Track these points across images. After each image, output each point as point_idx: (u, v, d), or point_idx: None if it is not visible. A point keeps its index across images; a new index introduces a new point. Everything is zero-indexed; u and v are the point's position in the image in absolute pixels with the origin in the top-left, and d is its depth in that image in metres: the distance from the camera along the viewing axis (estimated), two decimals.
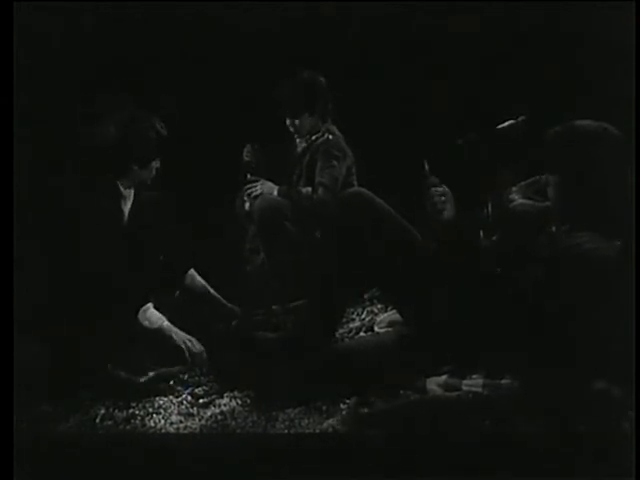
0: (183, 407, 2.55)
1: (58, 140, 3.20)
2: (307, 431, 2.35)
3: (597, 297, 2.30)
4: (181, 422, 2.45)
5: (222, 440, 2.38)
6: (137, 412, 2.51)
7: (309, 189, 3.45)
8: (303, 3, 3.44)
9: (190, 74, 3.65)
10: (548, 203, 2.52)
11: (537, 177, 2.63)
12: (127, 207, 2.93)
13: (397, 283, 2.60)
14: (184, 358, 2.76)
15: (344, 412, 2.43)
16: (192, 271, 3.06)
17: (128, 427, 2.44)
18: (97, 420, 2.47)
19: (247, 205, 3.48)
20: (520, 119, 2.74)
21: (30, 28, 2.85)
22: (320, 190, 3.40)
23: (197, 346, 2.79)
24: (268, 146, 3.58)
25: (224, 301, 3.07)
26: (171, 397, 2.60)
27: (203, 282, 3.07)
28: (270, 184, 3.47)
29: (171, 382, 2.70)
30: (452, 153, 2.77)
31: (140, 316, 2.75)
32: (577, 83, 3.35)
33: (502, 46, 3.52)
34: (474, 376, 2.42)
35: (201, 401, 2.58)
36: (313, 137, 3.51)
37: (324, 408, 2.45)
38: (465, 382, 2.41)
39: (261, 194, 3.44)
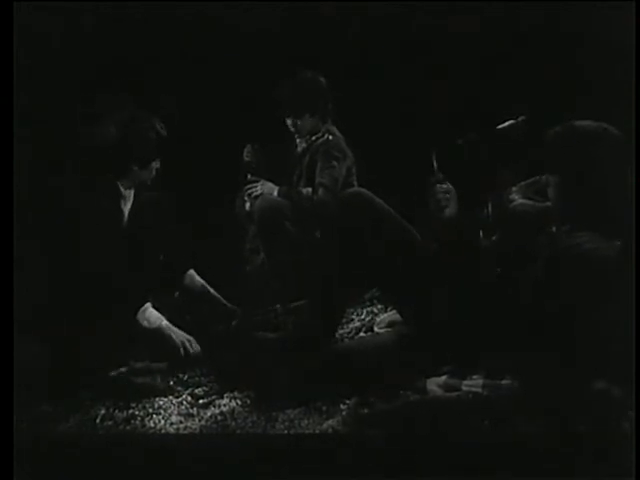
0: (183, 407, 2.55)
1: (58, 140, 3.20)
2: (307, 431, 2.35)
3: (597, 297, 2.30)
4: (181, 422, 2.45)
5: (222, 440, 2.38)
6: (137, 412, 2.51)
7: (309, 189, 3.45)
8: (303, 3, 3.44)
9: (190, 74, 3.65)
10: (548, 203, 2.52)
11: (537, 177, 2.63)
12: (127, 207, 2.93)
13: (397, 283, 2.60)
14: (182, 357, 2.76)
15: (344, 412, 2.43)
16: (191, 271, 3.06)
17: (128, 427, 2.44)
18: (97, 420, 2.47)
19: (247, 205, 3.48)
20: (520, 119, 2.74)
21: (30, 28, 2.85)
22: (320, 190, 3.40)
23: (194, 346, 2.78)
24: (268, 146, 3.58)
25: (224, 301, 3.07)
26: (171, 397, 2.60)
27: (202, 282, 3.07)
28: (270, 184, 3.47)
29: (170, 383, 2.71)
30: (452, 153, 2.76)
31: (139, 316, 2.76)
32: (577, 83, 3.35)
33: (502, 46, 3.52)
34: (474, 376, 2.42)
35: (201, 401, 2.58)
36: (313, 137, 3.51)
37: (324, 408, 2.45)
38: (465, 382, 2.41)
39: (261, 194, 3.44)
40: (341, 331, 2.98)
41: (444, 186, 2.60)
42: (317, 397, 2.49)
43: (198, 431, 2.40)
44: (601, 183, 2.39)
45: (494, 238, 2.63)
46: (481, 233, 2.64)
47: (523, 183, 2.71)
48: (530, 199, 2.65)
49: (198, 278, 3.06)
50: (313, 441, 2.32)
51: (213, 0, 3.41)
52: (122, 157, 2.85)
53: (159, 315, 2.79)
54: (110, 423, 2.46)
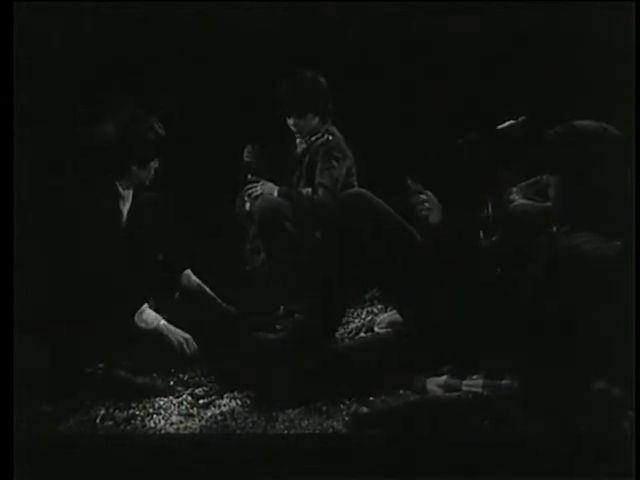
0: (183, 407, 2.55)
1: (58, 140, 3.20)
2: (307, 431, 2.35)
3: (597, 297, 2.30)
4: (181, 422, 2.45)
5: (222, 440, 2.38)
6: (137, 412, 2.51)
7: (309, 190, 3.45)
8: (303, 3, 3.44)
9: (190, 74, 3.64)
10: (548, 203, 2.52)
11: (537, 177, 2.64)
12: (126, 207, 2.92)
13: (397, 283, 2.60)
14: (179, 357, 2.76)
15: (344, 412, 2.43)
16: (188, 271, 3.05)
17: (128, 427, 2.44)
18: (97, 420, 2.47)
19: (247, 205, 3.48)
20: (520, 119, 2.74)
21: (30, 28, 2.85)
22: (320, 191, 3.40)
23: (191, 346, 2.78)
24: (268, 146, 3.58)
25: (219, 300, 3.06)
26: (171, 397, 2.60)
27: (198, 281, 3.06)
28: (270, 184, 3.47)
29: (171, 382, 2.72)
30: (452, 153, 2.76)
31: (136, 318, 2.75)
32: (577, 83, 3.35)
33: (502, 46, 3.52)
34: (474, 376, 2.42)
35: (201, 402, 2.58)
36: (313, 138, 3.51)
37: (324, 408, 2.45)
38: (465, 382, 2.41)
39: (261, 194, 3.44)
40: (341, 331, 2.98)
41: (422, 196, 2.62)
42: (317, 397, 2.50)
43: (198, 431, 2.40)
44: (601, 183, 2.39)
45: (494, 238, 2.63)
46: (481, 233, 2.64)
47: (523, 183, 2.71)
48: (530, 199, 2.65)
49: (194, 277, 3.06)
50: (313, 441, 2.32)
51: (213, 0, 3.41)
52: (121, 157, 2.85)
53: (156, 316, 2.79)
54: (110, 423, 2.46)
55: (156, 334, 2.76)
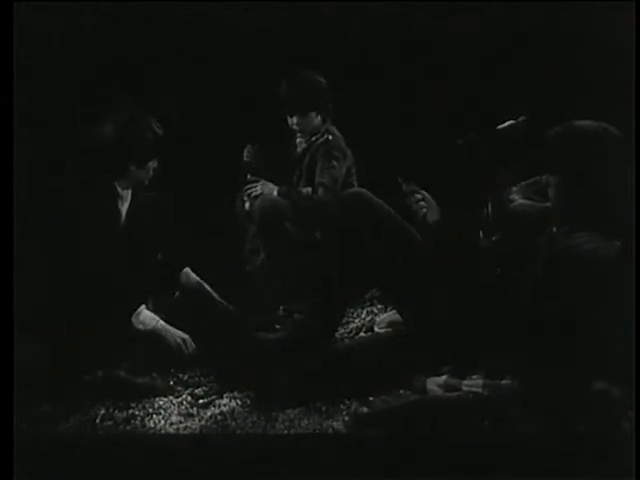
0: (183, 407, 2.55)
1: (58, 140, 3.20)
2: (307, 431, 2.35)
3: (597, 297, 2.30)
4: (181, 422, 2.45)
5: (222, 440, 2.38)
6: (137, 412, 2.51)
7: (309, 189, 3.45)
8: (303, 3, 3.44)
9: (190, 74, 3.64)
10: (548, 203, 2.52)
11: (537, 177, 2.64)
12: (124, 207, 2.92)
13: (397, 283, 2.60)
14: (178, 358, 2.76)
15: (344, 412, 2.43)
16: (187, 269, 3.05)
17: (128, 427, 2.44)
18: (97, 420, 2.47)
19: (247, 205, 3.47)
20: (520, 119, 2.74)
21: (30, 28, 2.85)
22: (320, 190, 3.40)
23: (189, 346, 2.78)
24: (268, 146, 3.58)
25: (219, 299, 3.06)
26: (171, 397, 2.60)
27: (197, 279, 3.06)
28: (270, 185, 3.47)
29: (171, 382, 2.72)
30: (452, 153, 2.76)
31: (134, 320, 2.74)
32: (577, 83, 3.35)
33: (502, 46, 3.52)
34: (474, 376, 2.42)
35: (201, 401, 2.58)
36: (313, 138, 3.51)
37: (324, 408, 2.45)
38: (465, 382, 2.41)
39: (261, 194, 3.44)
40: (341, 331, 2.98)
41: (418, 195, 2.62)
42: (317, 397, 2.49)
43: (198, 431, 2.40)
44: (601, 183, 2.39)
45: (494, 238, 2.63)
46: (481, 233, 2.64)
47: (523, 183, 2.71)
48: (530, 199, 2.65)
49: (193, 275, 3.06)
50: (313, 441, 2.32)
51: (213, 0, 3.41)
52: (119, 157, 2.84)
53: (153, 316, 2.78)
54: (110, 423, 2.46)
55: (154, 335, 2.76)
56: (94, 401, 2.57)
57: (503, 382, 2.38)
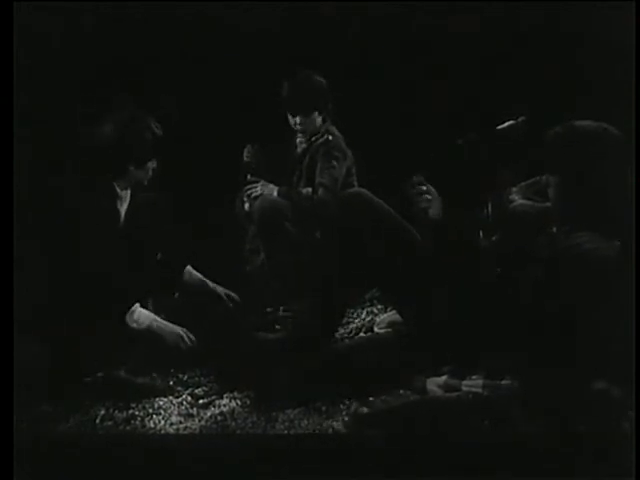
0: (183, 408, 2.55)
1: (58, 140, 3.20)
2: (307, 432, 2.35)
3: (597, 297, 2.30)
4: (181, 423, 2.45)
5: (222, 441, 2.38)
6: (137, 413, 2.51)
7: (309, 190, 3.45)
8: (303, 3, 3.44)
9: (190, 74, 3.64)
10: (548, 204, 2.52)
11: (537, 177, 2.64)
12: (123, 207, 2.92)
13: (397, 283, 2.60)
14: (176, 353, 2.75)
15: (344, 412, 2.43)
16: (189, 267, 3.05)
17: (128, 427, 2.44)
18: (97, 420, 2.47)
19: (247, 206, 3.47)
20: (520, 119, 2.74)
21: (30, 28, 2.85)
22: (320, 191, 3.40)
23: (186, 339, 2.76)
24: (268, 147, 3.58)
25: (224, 293, 3.06)
26: (171, 398, 2.60)
27: (200, 276, 3.06)
28: (271, 185, 3.47)
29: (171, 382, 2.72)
30: (452, 153, 2.76)
31: (128, 319, 2.73)
32: (577, 83, 3.35)
33: (502, 46, 3.52)
34: (474, 377, 2.42)
35: (201, 402, 2.58)
36: (313, 138, 3.51)
37: (324, 408, 2.45)
38: (465, 382, 2.41)
39: (261, 195, 3.44)
40: (341, 331, 2.98)
41: (423, 187, 2.61)
42: (317, 397, 2.50)
43: (198, 431, 2.40)
44: (601, 183, 2.39)
45: (494, 238, 2.63)
46: (481, 233, 2.64)
47: (523, 183, 2.71)
48: (530, 199, 2.65)
49: (196, 273, 3.05)
50: (313, 441, 2.32)
51: (213, 0, 3.41)
52: (118, 157, 2.84)
53: (148, 314, 2.76)
54: (110, 423, 2.46)
55: (150, 333, 2.75)
56: (94, 401, 2.57)
57: (503, 382, 2.38)
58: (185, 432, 2.40)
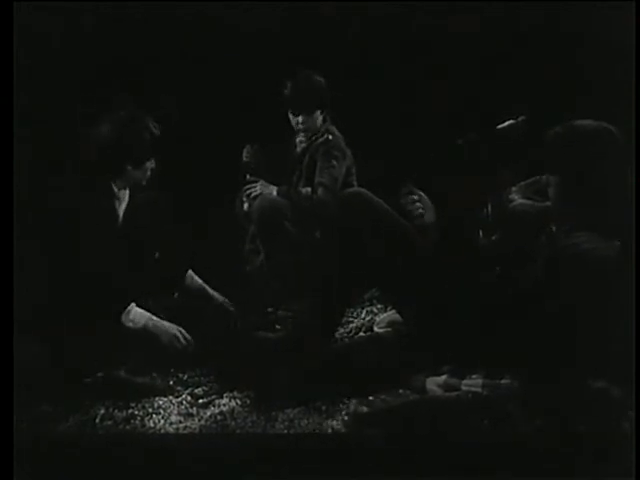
0: (183, 407, 2.55)
1: (58, 140, 3.20)
2: (307, 431, 2.35)
3: (597, 297, 2.30)
4: (181, 422, 2.45)
5: (222, 440, 2.38)
6: (137, 412, 2.51)
7: (309, 189, 3.45)
8: (303, 3, 3.44)
9: (190, 74, 3.64)
10: (548, 203, 2.52)
11: (537, 177, 2.64)
12: (122, 208, 2.92)
13: (397, 283, 2.60)
14: (172, 352, 2.75)
15: (344, 412, 2.43)
16: (190, 272, 3.05)
17: (128, 427, 2.44)
18: (97, 420, 2.47)
19: (246, 206, 3.48)
20: (520, 119, 2.74)
21: (30, 28, 2.85)
22: (320, 190, 3.40)
23: (182, 339, 2.76)
24: (268, 146, 3.58)
25: (222, 300, 3.06)
26: (171, 397, 2.60)
27: (200, 282, 3.06)
28: (271, 186, 3.47)
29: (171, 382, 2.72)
30: (452, 153, 2.77)
31: (123, 318, 2.73)
32: (577, 83, 3.35)
33: (502, 46, 3.52)
34: (474, 376, 2.42)
35: (201, 401, 2.58)
36: (313, 137, 3.51)
37: (324, 408, 2.45)
38: (465, 382, 2.41)
39: (260, 194, 3.44)
40: (341, 331, 2.98)
41: (414, 197, 2.63)
42: (317, 397, 2.49)
43: (198, 431, 2.40)
44: (601, 183, 2.39)
45: (494, 238, 2.63)
46: (481, 233, 2.65)
47: (523, 183, 2.71)
48: (530, 199, 2.65)
49: (197, 279, 3.06)
50: (313, 441, 2.33)
51: (213, 0, 3.41)
52: (116, 157, 2.84)
53: (143, 313, 2.75)
54: (110, 423, 2.46)
55: (146, 333, 2.74)
56: (94, 401, 2.56)
57: (503, 382, 2.38)
58: (185, 432, 2.40)
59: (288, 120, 3.51)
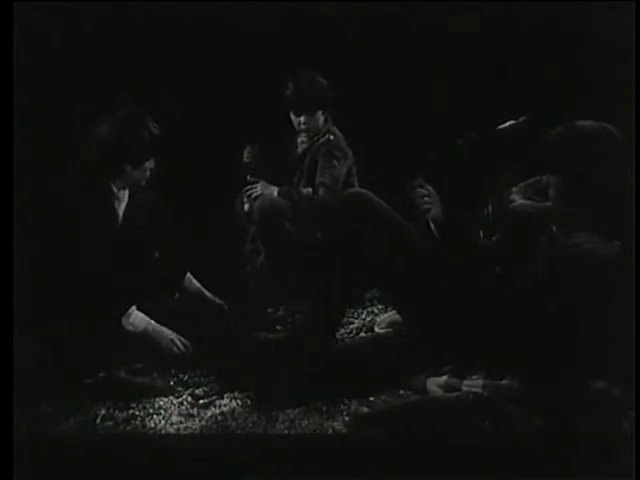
0: (183, 408, 2.55)
1: (58, 140, 3.20)
2: (307, 431, 2.35)
3: (597, 297, 2.30)
4: (181, 423, 2.45)
5: (222, 440, 2.38)
6: (137, 413, 2.51)
7: (310, 190, 3.45)
8: (303, 3, 3.44)
9: (190, 74, 3.64)
10: (548, 203, 2.52)
11: (537, 177, 2.64)
12: (121, 208, 2.91)
13: (397, 283, 2.60)
14: (171, 357, 2.76)
15: (344, 412, 2.43)
16: (189, 275, 3.05)
17: (128, 427, 2.44)
18: (97, 420, 2.47)
19: (247, 206, 3.48)
20: (520, 119, 2.74)
21: (30, 28, 2.85)
22: (321, 190, 3.40)
23: (179, 344, 2.76)
24: (268, 147, 3.58)
25: (219, 302, 3.06)
26: (171, 398, 2.60)
27: (198, 285, 3.06)
28: (271, 186, 3.47)
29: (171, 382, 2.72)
30: (452, 153, 2.77)
31: (124, 321, 2.73)
32: (577, 83, 3.35)
33: (502, 46, 3.52)
34: (474, 376, 2.42)
35: (201, 402, 2.58)
36: (314, 138, 3.51)
37: (324, 409, 2.45)
38: (465, 382, 2.41)
39: (261, 195, 3.44)
40: (342, 331, 2.98)
41: (423, 190, 2.62)
42: (317, 397, 2.49)
43: (198, 431, 2.40)
44: (601, 183, 2.39)
45: (494, 238, 2.63)
46: (481, 233, 2.65)
47: (523, 183, 2.71)
48: (530, 199, 2.65)
49: (195, 281, 3.06)
50: (313, 441, 2.33)
51: (213, 0, 3.41)
52: (115, 157, 2.83)
53: (144, 317, 2.76)
54: (110, 423, 2.46)
55: (146, 337, 2.75)
56: (94, 401, 2.56)
57: (503, 382, 2.38)
58: (185, 432, 2.40)
59: (289, 120, 3.51)
